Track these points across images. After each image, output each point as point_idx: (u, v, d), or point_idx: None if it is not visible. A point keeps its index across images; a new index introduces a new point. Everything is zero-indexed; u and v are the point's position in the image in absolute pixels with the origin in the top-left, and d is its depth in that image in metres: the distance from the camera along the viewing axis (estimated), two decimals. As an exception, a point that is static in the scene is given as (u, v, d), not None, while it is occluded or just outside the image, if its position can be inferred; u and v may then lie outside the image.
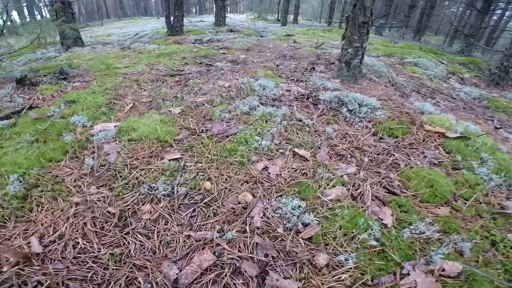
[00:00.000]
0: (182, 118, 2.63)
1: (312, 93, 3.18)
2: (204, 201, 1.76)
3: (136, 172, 1.96)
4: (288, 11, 12.41)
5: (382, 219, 1.71)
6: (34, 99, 3.26)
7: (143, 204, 1.74)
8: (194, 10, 31.96)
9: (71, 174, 1.99)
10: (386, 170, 2.12)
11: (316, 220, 1.64)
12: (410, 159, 2.29)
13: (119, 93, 3.24)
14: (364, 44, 3.91)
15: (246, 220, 1.63)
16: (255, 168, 1.98)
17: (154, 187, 1.83)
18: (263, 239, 1.53)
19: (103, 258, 1.48)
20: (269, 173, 1.96)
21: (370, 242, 1.56)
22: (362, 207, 1.76)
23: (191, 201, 1.77)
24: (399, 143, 2.47)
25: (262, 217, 1.65)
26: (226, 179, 1.90)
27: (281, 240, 1.54)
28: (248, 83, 3.32)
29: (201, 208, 1.73)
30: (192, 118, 2.62)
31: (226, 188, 1.83)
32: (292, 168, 2.02)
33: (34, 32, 6.02)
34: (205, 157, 2.08)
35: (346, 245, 1.54)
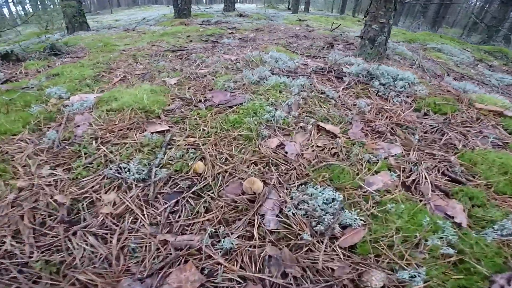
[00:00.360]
0: (177, 88, 2.03)
1: (333, 67, 2.54)
2: (193, 189, 1.16)
3: (106, 148, 1.37)
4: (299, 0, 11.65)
5: (452, 217, 1.09)
6: (16, 73, 2.71)
7: (106, 192, 1.16)
8: (204, 0, 31.03)
9: (25, 150, 1.42)
10: (441, 151, 1.49)
11: (361, 220, 1.02)
12: (467, 139, 1.65)
13: (111, 67, 2.66)
14: (390, 20, 3.24)
15: (254, 219, 1.03)
16: (266, 145, 1.38)
17: (125, 168, 1.24)
18: (280, 249, 0.93)
19: (34, 267, 0.90)
20: (286, 152, 1.35)
21: (443, 249, 0.95)
22: (421, 200, 1.14)
23: (174, 190, 1.17)
24: (449, 120, 1.82)
25: (277, 215, 1.04)
26: (226, 159, 1.30)
27: (307, 250, 0.94)
28: (258, 55, 2.70)
29: (187, 200, 1.13)
30: (189, 88, 2.02)
31: (226, 172, 1.23)
32: (318, 146, 1.40)
33: (42, 19, 5.52)
34: (200, 130, 1.48)
35: (408, 255, 0.93)
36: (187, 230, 1.03)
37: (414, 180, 1.26)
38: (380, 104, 1.94)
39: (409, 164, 1.35)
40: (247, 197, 1.11)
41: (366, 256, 0.93)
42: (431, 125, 1.76)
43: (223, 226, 1.02)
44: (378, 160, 1.32)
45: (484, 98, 2.35)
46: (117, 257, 0.93)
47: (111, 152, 1.35)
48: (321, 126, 1.54)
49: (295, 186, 1.15)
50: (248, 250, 0.93)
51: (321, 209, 1.02)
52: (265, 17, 6.34)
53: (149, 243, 0.97)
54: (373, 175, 1.23)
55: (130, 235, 1.00)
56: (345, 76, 2.32)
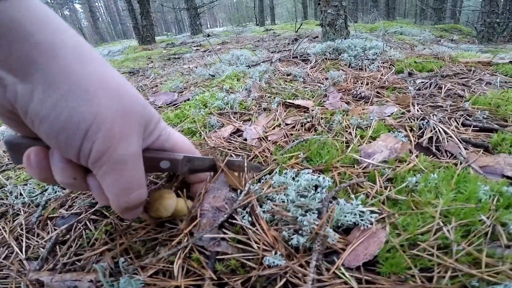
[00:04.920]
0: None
1: (297, 54, 2.15)
2: (95, 207, 0.68)
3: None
4: (264, 13, 11.59)
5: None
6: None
7: None
8: (174, 30, 30.72)
9: None
10: (447, 101, 1.05)
11: (372, 212, 0.55)
12: (471, 88, 1.23)
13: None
14: (343, 2, 2.93)
15: (180, 243, 0.55)
16: (217, 135, 0.91)
17: (14, 192, 0.77)
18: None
19: None
20: (244, 139, 0.89)
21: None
22: (455, 164, 0.69)
23: (72, 211, 0.69)
24: (441, 75, 1.41)
25: (223, 230, 0.56)
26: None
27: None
28: (217, 58, 2.30)
29: (85, 224, 0.65)
30: (133, 98, 1.58)
31: (151, 181, 0.75)
32: (287, 124, 0.95)
33: None
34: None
35: (488, 258, 0.46)
36: (77, 264, 0.56)
37: (430, 138, 0.81)
38: (356, 73, 1.52)
39: (415, 120, 0.90)
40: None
41: (402, 277, 0.46)
42: (422, 82, 1.34)
43: (131, 257, 0.54)
44: (371, 123, 0.87)
45: (463, 54, 1.97)
46: None
47: (7, 175, 0.88)
48: (289, 103, 1.10)
49: (255, 178, 0.68)
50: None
51: (297, 206, 0.54)
52: (233, 33, 6.06)
53: (17, 284, 0.50)
54: (370, 142, 0.78)
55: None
56: (311, 56, 1.92)
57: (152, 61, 3.26)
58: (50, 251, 0.63)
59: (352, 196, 0.57)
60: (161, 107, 1.28)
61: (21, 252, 0.64)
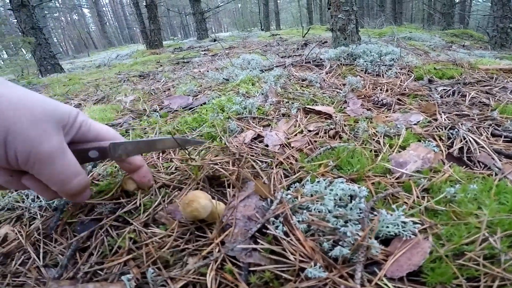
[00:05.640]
0: (132, 104, 1.58)
1: (310, 59, 2.14)
2: (117, 213, 0.66)
3: None
4: (269, 18, 11.65)
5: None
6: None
7: None
8: (180, 35, 30.93)
9: None
10: (473, 110, 1.03)
11: (414, 222, 0.53)
12: (495, 95, 1.21)
13: (68, 98, 2.22)
14: (354, 7, 2.93)
15: (212, 253, 0.53)
16: (238, 140, 0.90)
17: (30, 195, 0.76)
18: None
19: None
20: (266, 145, 0.87)
21: None
22: (490, 175, 0.66)
23: (92, 217, 0.67)
24: (463, 82, 1.39)
25: (255, 240, 0.54)
26: (176, 167, 0.80)
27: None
28: (228, 62, 2.30)
29: (106, 230, 0.63)
30: (146, 102, 1.57)
31: (172, 182, 0.73)
32: (310, 131, 0.93)
33: (16, 65, 5.15)
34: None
35: None
36: (99, 275, 0.54)
37: (461, 148, 0.79)
38: (373, 79, 1.51)
39: (443, 129, 0.88)
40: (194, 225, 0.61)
41: (449, 286, 0.44)
42: (444, 89, 1.32)
43: (159, 268, 0.53)
44: (399, 131, 0.85)
45: (482, 61, 1.95)
46: None
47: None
48: (309, 109, 1.08)
49: (284, 186, 0.66)
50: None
51: (335, 217, 0.52)
52: (239, 38, 6.10)
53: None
54: (400, 151, 0.76)
55: (13, 281, 0.52)
56: (325, 61, 1.91)
57: (161, 65, 3.28)
58: (70, 259, 0.61)
59: (393, 206, 0.55)
60: (176, 110, 1.27)
61: (39, 258, 0.62)
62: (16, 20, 4.63)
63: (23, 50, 5.21)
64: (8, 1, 4.64)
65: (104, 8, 34.91)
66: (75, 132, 0.57)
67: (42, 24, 4.92)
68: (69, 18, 33.58)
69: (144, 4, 6.35)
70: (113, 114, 1.40)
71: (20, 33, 4.59)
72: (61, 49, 27.71)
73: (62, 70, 4.79)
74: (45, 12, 18.96)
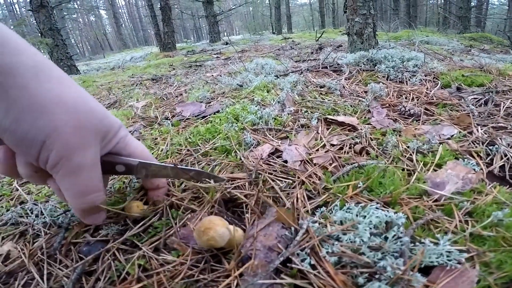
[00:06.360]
0: (144, 110, 1.55)
1: (327, 64, 2.07)
2: (125, 235, 0.61)
3: (21, 185, 0.86)
4: (281, 21, 11.59)
5: None
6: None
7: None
8: (192, 37, 31.25)
9: None
10: (510, 122, 0.94)
11: (464, 250, 0.46)
12: (534, 108, 1.11)
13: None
14: (371, 11, 2.85)
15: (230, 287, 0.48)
16: (253, 155, 0.84)
17: (34, 210, 0.73)
18: None
19: None
20: (285, 161, 0.81)
21: None
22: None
23: (98, 237, 0.62)
24: (495, 90, 1.29)
25: (278, 274, 0.48)
26: (187, 184, 0.75)
27: None
28: (242, 66, 2.26)
29: (113, 254, 0.58)
30: (158, 108, 1.54)
31: (182, 201, 0.68)
32: (333, 145, 0.87)
33: None
34: (157, 151, 0.96)
35: None
36: None
37: (502, 166, 0.71)
38: (397, 87, 1.43)
39: (481, 144, 0.80)
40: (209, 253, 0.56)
41: None
42: (475, 98, 1.23)
43: None
44: (432, 147, 0.78)
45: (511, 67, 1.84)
46: None
47: (28, 188, 0.84)
48: (331, 119, 1.02)
49: (308, 210, 0.60)
50: None
51: (371, 248, 0.46)
52: (251, 41, 6.07)
53: None
54: (436, 170, 0.69)
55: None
56: (343, 67, 1.84)
57: (174, 68, 3.27)
58: (75, 283, 0.56)
59: (438, 235, 0.49)
60: (189, 118, 1.23)
61: (42, 280, 0.58)
62: (35, 21, 4.75)
63: (41, 51, 5.33)
64: (28, 2, 4.76)
65: (120, 10, 35.77)
66: (112, 147, 0.57)
67: (60, 25, 5.03)
68: (86, 20, 34.55)
69: (159, 6, 6.42)
70: (124, 121, 1.37)
71: (38, 34, 4.70)
72: (78, 50, 28.53)
73: (77, 71, 4.87)
74: (64, 13, 19.55)
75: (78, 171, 0.49)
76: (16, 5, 28.79)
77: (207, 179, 0.66)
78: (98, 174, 0.53)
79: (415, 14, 9.67)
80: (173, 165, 0.63)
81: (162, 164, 0.63)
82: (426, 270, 0.47)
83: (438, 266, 0.46)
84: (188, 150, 0.90)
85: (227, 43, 5.26)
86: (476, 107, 1.14)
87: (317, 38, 4.31)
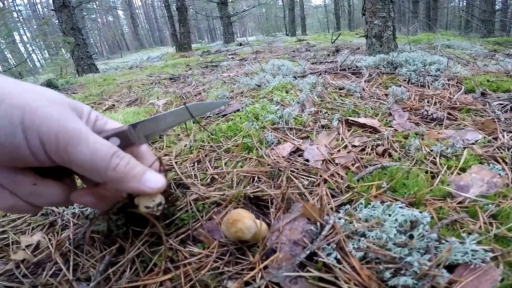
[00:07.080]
0: (165, 107, 1.60)
1: (345, 66, 2.07)
2: (151, 229, 0.64)
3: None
4: (295, 23, 11.57)
5: None
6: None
7: (30, 232, 0.68)
8: (207, 38, 31.61)
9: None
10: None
11: (488, 250, 0.47)
12: None
13: (103, 98, 2.31)
14: (391, 13, 2.82)
15: (254, 279, 0.49)
16: (275, 153, 0.86)
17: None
18: None
19: None
20: (306, 160, 0.82)
21: None
22: None
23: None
24: (521, 96, 1.26)
25: (302, 267, 0.50)
26: (213, 179, 0.78)
27: None
28: (259, 67, 2.29)
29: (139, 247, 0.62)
30: (177, 106, 1.59)
31: (207, 198, 0.71)
32: (355, 146, 0.88)
33: (56, 65, 5.50)
34: (180, 146, 0.99)
35: None
36: None
37: (529, 173, 0.70)
38: (419, 91, 1.42)
39: (506, 150, 0.79)
40: (235, 247, 0.58)
41: None
42: (500, 104, 1.21)
43: None
44: (456, 151, 0.78)
45: (540, 72, 1.79)
46: None
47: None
48: (352, 121, 1.03)
49: (332, 208, 0.61)
50: None
51: (397, 245, 0.47)
52: (265, 42, 6.11)
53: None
54: (460, 173, 0.69)
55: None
56: (362, 69, 1.84)
57: (190, 68, 3.34)
58: (102, 274, 0.58)
59: (463, 234, 0.49)
60: (210, 116, 1.27)
61: (69, 271, 0.59)
62: (57, 21, 4.95)
63: (63, 50, 5.54)
64: (51, 2, 4.98)
65: (137, 11, 36.64)
66: (92, 125, 0.51)
67: (81, 25, 5.22)
68: (105, 20, 35.60)
69: (175, 7, 6.56)
70: (143, 117, 1.42)
71: (61, 33, 4.89)
72: (96, 50, 29.45)
73: (97, 70, 5.04)
74: (84, 13, 20.22)
75: (85, 137, 0.42)
76: (39, 5, 30.00)
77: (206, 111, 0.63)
78: (100, 138, 0.45)
79: (435, 17, 9.47)
80: (158, 114, 0.56)
81: (156, 115, 0.56)
82: (449, 268, 0.48)
83: (462, 264, 0.47)
84: (211, 146, 0.93)
85: (241, 44, 5.32)
86: (502, 113, 1.12)
87: (333, 40, 4.30)
